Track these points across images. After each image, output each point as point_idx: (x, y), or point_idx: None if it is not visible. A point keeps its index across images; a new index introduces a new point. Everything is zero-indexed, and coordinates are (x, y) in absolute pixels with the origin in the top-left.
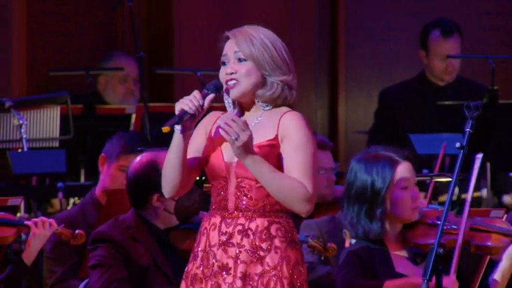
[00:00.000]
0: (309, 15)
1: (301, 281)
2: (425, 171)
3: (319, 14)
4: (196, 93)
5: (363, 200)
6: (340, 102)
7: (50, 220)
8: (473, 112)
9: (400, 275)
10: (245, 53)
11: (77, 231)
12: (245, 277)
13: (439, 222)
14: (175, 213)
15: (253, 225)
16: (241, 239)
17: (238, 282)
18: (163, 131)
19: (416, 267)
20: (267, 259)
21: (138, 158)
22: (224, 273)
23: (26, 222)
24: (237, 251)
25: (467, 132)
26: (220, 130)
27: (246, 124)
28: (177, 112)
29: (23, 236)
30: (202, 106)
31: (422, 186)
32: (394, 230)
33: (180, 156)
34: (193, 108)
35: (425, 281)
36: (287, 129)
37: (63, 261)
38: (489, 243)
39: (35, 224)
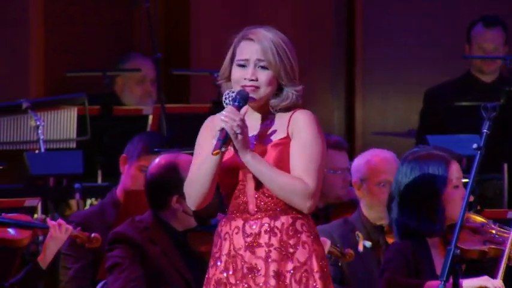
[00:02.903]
0: (326, 17)
1: (328, 273)
2: None
3: (336, 16)
4: (232, 109)
5: (419, 199)
6: (357, 103)
7: (66, 226)
8: (490, 113)
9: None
10: (269, 63)
11: (92, 235)
12: (278, 276)
13: (486, 225)
14: (194, 215)
15: (278, 223)
16: (269, 238)
17: (272, 281)
18: (214, 155)
19: None
20: (297, 255)
21: (156, 160)
22: (254, 274)
23: (48, 222)
24: (267, 250)
25: (484, 133)
26: (222, 124)
27: (244, 120)
28: (218, 132)
29: (40, 237)
30: (243, 120)
31: None
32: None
33: (214, 173)
34: (234, 128)
35: (443, 282)
36: (296, 126)
37: (79, 258)
38: None
39: (54, 226)
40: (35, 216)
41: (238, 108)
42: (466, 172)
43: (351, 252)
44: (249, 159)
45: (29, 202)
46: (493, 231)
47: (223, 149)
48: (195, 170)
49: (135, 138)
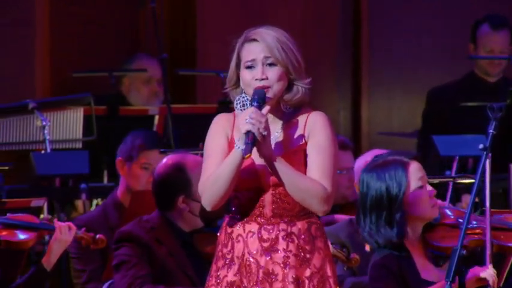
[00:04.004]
0: (332, 18)
1: (337, 277)
2: (447, 172)
3: (342, 16)
4: (256, 111)
5: (380, 208)
6: (363, 103)
7: (69, 223)
8: (496, 113)
9: (426, 282)
10: (276, 58)
11: (97, 236)
12: (297, 282)
13: (460, 220)
14: (200, 216)
15: (295, 229)
16: (287, 245)
17: (291, 287)
18: (247, 158)
19: (439, 270)
20: (313, 261)
21: (164, 160)
22: (271, 279)
23: (55, 223)
24: (285, 256)
25: (490, 134)
26: (248, 126)
27: (267, 120)
28: (244, 133)
29: (46, 237)
30: (266, 121)
31: (445, 187)
32: (416, 232)
33: (236, 174)
34: (261, 129)
35: (449, 282)
36: (312, 128)
37: (88, 260)
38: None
39: (59, 228)
40: (41, 216)
41: (259, 108)
42: (472, 173)
43: (357, 258)
44: (273, 160)
45: (35, 202)
46: (472, 223)
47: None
48: (214, 171)
49: (127, 139)
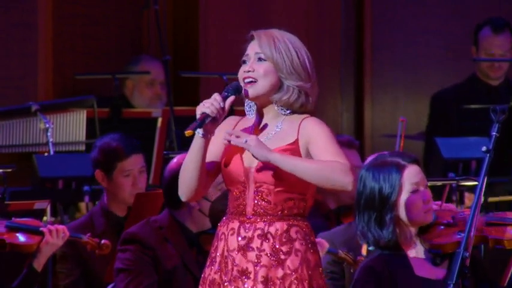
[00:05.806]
0: (335, 19)
1: (321, 283)
2: (451, 175)
3: (345, 17)
4: (216, 96)
5: (372, 207)
6: (366, 105)
7: (63, 227)
8: (499, 116)
9: (421, 278)
10: (266, 54)
11: (102, 241)
12: (267, 281)
13: (453, 222)
14: (209, 217)
15: (272, 229)
16: (261, 243)
17: (260, 287)
18: (186, 135)
19: (436, 268)
20: (288, 262)
21: (175, 159)
22: (244, 277)
23: (42, 229)
24: (257, 255)
25: (494, 136)
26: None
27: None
28: (198, 116)
29: None
30: (223, 109)
31: (449, 189)
32: (410, 233)
33: (199, 160)
34: (214, 112)
35: (451, 284)
36: (309, 133)
37: (68, 274)
38: (506, 237)
39: (49, 231)
40: (45, 219)
41: (225, 97)
42: (475, 175)
43: (363, 260)
44: (277, 157)
45: (38, 205)
46: (465, 219)
47: (198, 131)
48: (186, 158)
49: (100, 149)
